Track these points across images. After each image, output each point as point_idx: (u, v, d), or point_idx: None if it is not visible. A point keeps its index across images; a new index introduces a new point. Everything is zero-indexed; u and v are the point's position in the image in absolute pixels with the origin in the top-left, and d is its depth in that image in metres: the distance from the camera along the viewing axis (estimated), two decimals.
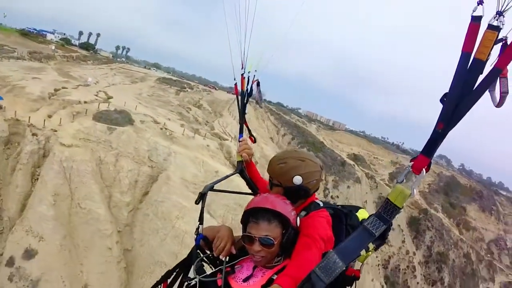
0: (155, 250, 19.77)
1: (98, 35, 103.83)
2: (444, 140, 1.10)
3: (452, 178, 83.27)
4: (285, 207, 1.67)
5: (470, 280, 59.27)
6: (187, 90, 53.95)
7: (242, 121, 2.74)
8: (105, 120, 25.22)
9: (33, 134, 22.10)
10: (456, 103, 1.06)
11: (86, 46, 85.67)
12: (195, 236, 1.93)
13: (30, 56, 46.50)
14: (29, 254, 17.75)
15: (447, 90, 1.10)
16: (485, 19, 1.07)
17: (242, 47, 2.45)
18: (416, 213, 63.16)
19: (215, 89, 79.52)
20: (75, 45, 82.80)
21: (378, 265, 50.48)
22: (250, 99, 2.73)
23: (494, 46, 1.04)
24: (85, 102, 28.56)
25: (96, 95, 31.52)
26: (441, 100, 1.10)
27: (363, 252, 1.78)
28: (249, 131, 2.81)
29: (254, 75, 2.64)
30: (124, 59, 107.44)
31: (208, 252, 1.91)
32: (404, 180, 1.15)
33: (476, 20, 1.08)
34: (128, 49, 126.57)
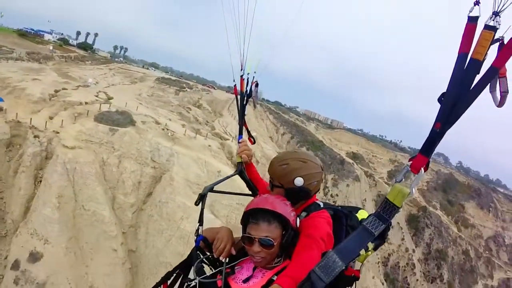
0: (160, 251, 19.75)
1: (96, 35, 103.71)
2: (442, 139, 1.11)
3: (450, 175, 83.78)
4: (285, 208, 1.67)
5: (469, 277, 59.77)
6: (186, 90, 53.73)
7: (242, 122, 2.73)
8: (106, 121, 25.09)
9: (35, 136, 21.98)
10: (454, 103, 1.07)
11: (84, 46, 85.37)
12: (195, 237, 1.94)
13: (29, 56, 46.15)
14: (35, 257, 17.68)
15: (445, 89, 1.11)
16: (482, 20, 1.08)
17: (241, 49, 2.45)
18: (415, 211, 63.60)
19: (214, 88, 79.36)
20: (73, 45, 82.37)
21: (378, 263, 50.84)
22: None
23: (491, 46, 1.06)
24: (86, 103, 28.32)
25: (97, 96, 31.30)
26: (439, 100, 1.12)
27: (362, 252, 1.77)
28: (249, 132, 2.82)
29: (254, 77, 2.64)
30: (122, 59, 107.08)
31: (208, 253, 1.90)
32: (403, 179, 1.16)
33: (472, 21, 1.10)
34: (126, 49, 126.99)
